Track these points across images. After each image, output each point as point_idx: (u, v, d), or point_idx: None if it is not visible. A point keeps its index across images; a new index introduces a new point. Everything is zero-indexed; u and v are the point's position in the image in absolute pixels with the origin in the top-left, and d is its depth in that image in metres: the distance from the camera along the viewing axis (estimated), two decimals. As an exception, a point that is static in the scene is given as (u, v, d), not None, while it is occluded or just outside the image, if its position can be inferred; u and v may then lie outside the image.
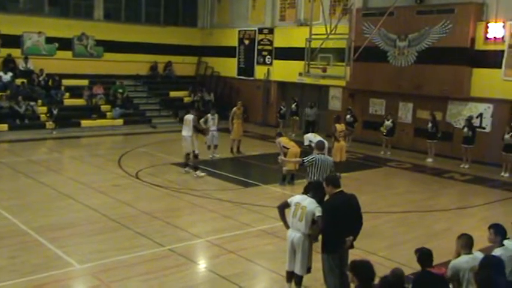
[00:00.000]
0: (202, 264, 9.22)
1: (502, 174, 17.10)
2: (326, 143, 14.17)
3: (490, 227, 6.46)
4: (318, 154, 10.18)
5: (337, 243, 7.02)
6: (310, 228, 7.27)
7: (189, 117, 15.35)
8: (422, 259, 5.83)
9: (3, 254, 8.97)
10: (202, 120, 16.99)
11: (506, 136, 16.82)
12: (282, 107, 24.43)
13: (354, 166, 17.43)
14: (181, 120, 16.40)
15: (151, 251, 9.36)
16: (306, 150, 15.43)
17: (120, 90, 25.32)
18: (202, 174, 15.27)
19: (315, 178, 9.81)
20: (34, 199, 12.49)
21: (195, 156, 15.36)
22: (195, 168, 15.34)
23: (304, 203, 7.29)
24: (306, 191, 7.68)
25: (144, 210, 11.76)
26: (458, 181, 16.59)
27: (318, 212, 7.13)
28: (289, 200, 7.52)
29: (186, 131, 15.25)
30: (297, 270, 7.41)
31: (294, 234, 7.33)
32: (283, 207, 7.58)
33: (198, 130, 15.55)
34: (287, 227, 7.53)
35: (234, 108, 18.96)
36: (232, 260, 9.17)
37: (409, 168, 18.18)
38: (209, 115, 17.63)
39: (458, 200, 14.45)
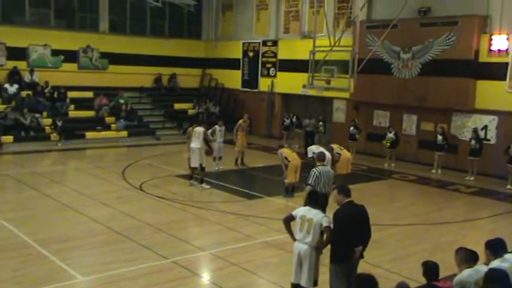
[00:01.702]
0: (205, 277, 9.17)
1: (508, 186, 16.99)
2: (328, 154, 14.20)
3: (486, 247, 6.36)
4: (319, 166, 10.24)
5: (346, 254, 6.97)
6: (318, 240, 7.23)
7: (199, 129, 15.32)
8: (428, 272, 5.77)
9: (7, 266, 8.95)
10: (210, 131, 17.07)
11: (513, 149, 16.76)
12: (285, 119, 24.44)
13: (358, 178, 17.35)
14: (185, 132, 16.37)
15: (154, 264, 9.32)
16: (310, 162, 15.41)
17: (122, 101, 25.35)
18: (208, 186, 15.26)
19: (320, 190, 9.83)
20: (38, 211, 12.50)
21: (202, 169, 15.36)
22: (201, 181, 15.33)
23: (309, 215, 7.23)
24: (306, 203, 7.65)
25: (147, 222, 11.74)
26: (464, 193, 16.51)
27: (325, 222, 7.09)
28: (293, 213, 7.47)
29: (195, 144, 15.20)
30: (304, 282, 7.31)
31: (301, 246, 7.27)
32: (289, 220, 7.52)
33: (208, 143, 15.50)
34: (294, 239, 7.47)
35: (240, 121, 18.99)
36: (236, 272, 9.13)
37: (413, 180, 18.12)
38: (217, 126, 17.73)
39: (464, 212, 14.37)
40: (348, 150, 16.54)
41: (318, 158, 10.63)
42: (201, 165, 15.27)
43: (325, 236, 7.15)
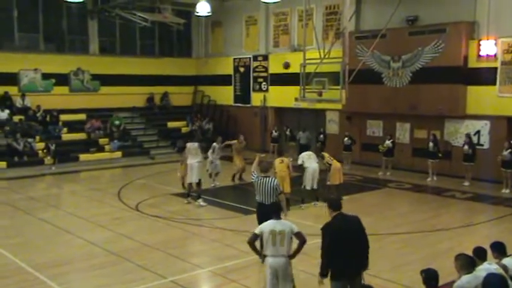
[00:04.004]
0: (205, 295, 9.12)
1: (503, 190, 17.04)
2: (315, 165, 14.68)
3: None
4: (261, 176, 9.96)
5: (343, 268, 6.80)
6: (290, 248, 7.31)
7: (194, 145, 15.29)
8: (428, 280, 5.76)
9: (3, 293, 8.88)
10: (210, 150, 17.20)
11: (505, 153, 16.84)
12: (273, 132, 24.55)
13: (354, 188, 17.38)
14: (180, 150, 16.28)
15: (153, 284, 9.26)
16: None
17: (117, 122, 25.39)
18: (204, 204, 15.18)
19: (259, 199, 9.83)
20: (34, 236, 12.40)
21: (198, 184, 15.31)
22: (198, 197, 15.28)
23: (280, 228, 7.22)
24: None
25: (145, 242, 11.68)
26: (460, 199, 16.53)
27: (296, 228, 7.26)
28: (257, 232, 7.33)
29: (194, 159, 15.11)
30: None
31: (278, 260, 7.22)
32: (254, 240, 7.40)
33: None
34: (262, 258, 7.43)
35: (235, 142, 18.82)
36: (235, 289, 9.08)
37: (409, 188, 18.13)
38: (215, 144, 17.75)
39: (461, 218, 14.36)
40: (340, 161, 16.44)
41: (260, 169, 10.34)
42: (200, 180, 15.24)
43: (297, 242, 7.28)
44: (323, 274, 6.84)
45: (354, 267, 6.87)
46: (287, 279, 7.30)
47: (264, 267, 7.40)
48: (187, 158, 15.30)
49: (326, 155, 15.71)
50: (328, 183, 15.20)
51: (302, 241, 7.26)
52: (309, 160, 14.97)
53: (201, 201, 15.17)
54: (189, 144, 15.48)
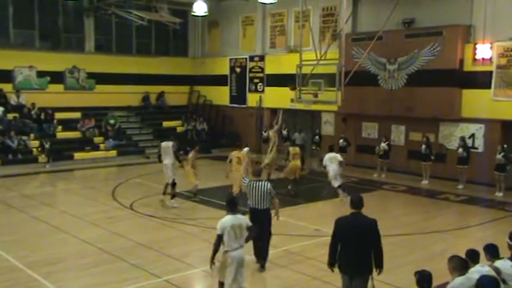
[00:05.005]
0: (198, 295, 9.09)
1: (497, 194, 17.11)
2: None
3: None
4: (253, 180, 9.98)
5: (341, 262, 6.99)
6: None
7: (168, 144, 15.10)
8: (421, 281, 5.78)
9: (-5, 291, 8.84)
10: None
11: (498, 156, 16.90)
12: (263, 132, 24.60)
13: (349, 190, 17.33)
14: (176, 150, 16.12)
15: (147, 283, 9.25)
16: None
17: (112, 121, 25.33)
18: (176, 205, 14.97)
19: (251, 204, 9.81)
20: (27, 234, 12.36)
21: (173, 184, 15.11)
22: (173, 196, 15.14)
23: (238, 222, 7.70)
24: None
25: (139, 241, 11.65)
26: (454, 202, 16.58)
27: (249, 222, 8.02)
28: (220, 232, 7.63)
29: (167, 159, 14.96)
30: (244, 281, 7.88)
31: (240, 252, 7.70)
32: (220, 241, 7.68)
33: (178, 158, 15.18)
34: (213, 260, 7.72)
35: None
36: (228, 289, 9.04)
37: (404, 190, 18.16)
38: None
39: (455, 221, 14.41)
40: (301, 160, 17.11)
41: (254, 173, 10.55)
42: (173, 180, 15.05)
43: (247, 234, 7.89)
44: (329, 263, 7.13)
45: (352, 266, 6.94)
46: (243, 266, 7.81)
47: (227, 262, 7.74)
48: (163, 157, 15.08)
49: (292, 151, 17.01)
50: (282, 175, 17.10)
51: (254, 232, 8.07)
52: (330, 164, 16.07)
53: (173, 202, 15.00)
54: (163, 144, 15.28)
